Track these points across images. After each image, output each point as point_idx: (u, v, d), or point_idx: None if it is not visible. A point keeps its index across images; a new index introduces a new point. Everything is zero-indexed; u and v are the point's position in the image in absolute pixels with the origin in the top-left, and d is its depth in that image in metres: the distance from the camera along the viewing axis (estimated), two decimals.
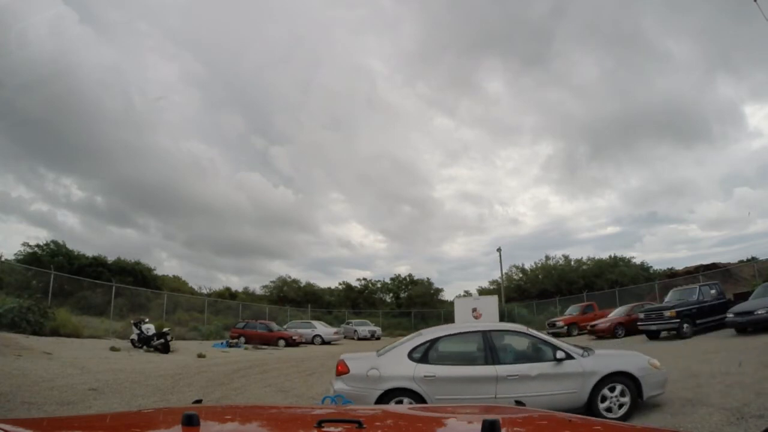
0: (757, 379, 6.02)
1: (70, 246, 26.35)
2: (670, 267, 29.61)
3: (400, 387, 5.07)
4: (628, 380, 5.09)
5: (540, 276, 34.96)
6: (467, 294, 34.55)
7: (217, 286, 33.95)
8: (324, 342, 22.70)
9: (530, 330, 5.67)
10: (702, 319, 13.09)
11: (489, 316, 22.64)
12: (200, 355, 13.67)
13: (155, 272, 29.23)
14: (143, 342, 14.15)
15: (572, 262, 34.63)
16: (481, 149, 56.71)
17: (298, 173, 53.18)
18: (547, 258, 35.96)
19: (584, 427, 1.56)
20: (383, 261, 56.27)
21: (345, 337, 25.35)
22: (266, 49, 50.82)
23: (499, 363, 5.18)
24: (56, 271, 17.30)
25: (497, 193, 57.23)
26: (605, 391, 5.09)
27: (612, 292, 25.51)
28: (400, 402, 5.02)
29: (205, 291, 31.63)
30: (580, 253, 55.61)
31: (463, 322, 22.76)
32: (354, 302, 35.98)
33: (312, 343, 22.33)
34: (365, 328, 27.61)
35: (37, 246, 25.08)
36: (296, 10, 49.99)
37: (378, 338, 27.01)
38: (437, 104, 55.18)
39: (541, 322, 24.60)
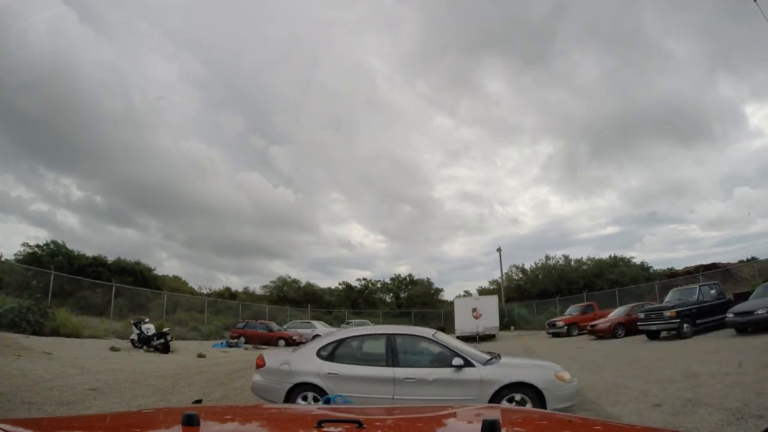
0: (757, 379, 6.02)
1: (70, 246, 26.41)
2: (670, 267, 29.66)
3: (306, 382, 5.41)
4: (531, 391, 5.03)
5: (540, 276, 34.97)
6: (467, 294, 34.54)
7: (217, 286, 34.01)
8: None
9: (437, 335, 5.72)
10: (702, 319, 13.08)
11: (489, 316, 22.62)
12: (200, 355, 13.67)
13: (155, 272, 29.30)
14: (143, 342, 14.14)
15: (572, 262, 34.69)
16: (482, 149, 56.83)
17: (298, 173, 53.29)
18: (547, 258, 36.05)
19: (584, 427, 1.56)
20: (383, 261, 56.35)
21: None
22: (266, 48, 50.90)
23: (398, 366, 5.34)
24: (56, 271, 17.29)
25: (497, 193, 57.37)
26: (505, 402, 5.04)
27: (612, 292, 25.50)
28: (305, 397, 5.36)
29: (205, 291, 31.68)
30: (580, 253, 55.76)
31: (463, 323, 22.83)
32: (354, 302, 36.00)
33: None
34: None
35: (37, 246, 25.12)
36: (296, 9, 50.08)
37: None
38: (437, 104, 55.28)
39: (541, 322, 24.63)
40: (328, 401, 5.19)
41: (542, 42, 46.37)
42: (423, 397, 5.03)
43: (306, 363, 5.61)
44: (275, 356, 6.09)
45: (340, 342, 5.81)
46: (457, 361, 5.21)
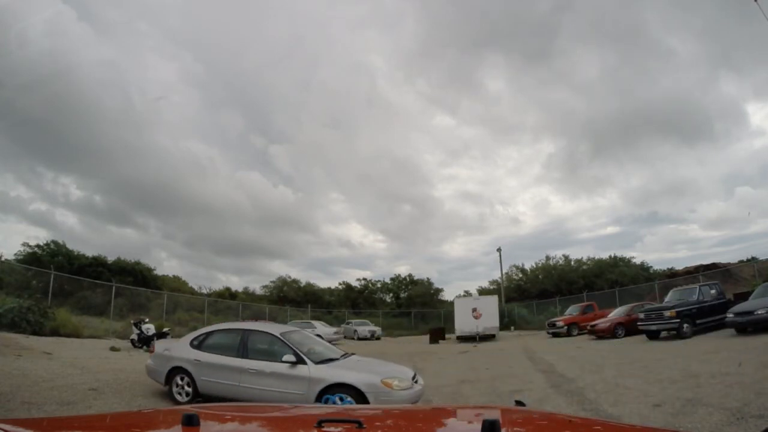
0: (757, 379, 6.02)
1: (69, 246, 26.40)
2: (670, 267, 29.65)
3: (179, 366, 6.42)
4: (354, 393, 5.37)
5: (540, 276, 34.97)
6: (467, 294, 34.53)
7: (217, 286, 33.98)
8: None
9: (283, 333, 6.32)
10: (702, 319, 13.08)
11: (489, 316, 22.62)
12: None
13: (155, 272, 29.26)
14: (143, 342, 14.13)
15: (572, 262, 34.69)
16: (482, 148, 56.73)
17: (297, 172, 53.25)
18: (547, 258, 36.05)
19: (584, 427, 1.56)
20: (383, 261, 56.35)
21: (345, 337, 25.32)
22: (266, 47, 50.88)
23: (246, 357, 6.13)
24: (56, 271, 17.28)
25: (498, 193, 57.25)
26: (336, 399, 5.43)
27: (612, 292, 25.50)
28: (182, 378, 6.44)
29: (205, 291, 31.66)
30: (580, 253, 55.78)
31: (463, 323, 22.83)
32: (354, 302, 35.98)
33: None
34: (365, 328, 27.59)
35: (37, 246, 25.11)
36: (296, 8, 49.99)
37: (378, 338, 27.00)
38: (438, 102, 55.19)
39: (541, 322, 24.63)
40: (327, 401, 5.23)
41: (544, 40, 46.31)
42: (262, 387, 5.76)
43: (181, 350, 6.62)
44: (163, 344, 7.15)
45: (207, 334, 6.76)
46: (288, 357, 5.81)
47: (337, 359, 6.20)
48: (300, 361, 5.79)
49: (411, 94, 54.81)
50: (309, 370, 5.72)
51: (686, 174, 45.86)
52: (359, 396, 5.32)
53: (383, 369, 6.02)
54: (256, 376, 5.91)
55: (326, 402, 5.26)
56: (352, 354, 6.54)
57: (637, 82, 44.40)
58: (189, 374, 6.37)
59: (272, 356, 6.04)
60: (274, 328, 6.72)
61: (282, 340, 6.14)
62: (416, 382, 5.86)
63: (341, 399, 5.35)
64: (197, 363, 6.35)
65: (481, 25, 46.45)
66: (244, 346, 6.30)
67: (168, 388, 6.62)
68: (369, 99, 52.59)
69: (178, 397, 6.50)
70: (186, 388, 6.47)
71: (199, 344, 6.61)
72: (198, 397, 6.38)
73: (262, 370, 5.94)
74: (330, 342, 24.54)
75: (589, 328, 17.44)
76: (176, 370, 6.49)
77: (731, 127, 44.12)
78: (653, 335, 13.55)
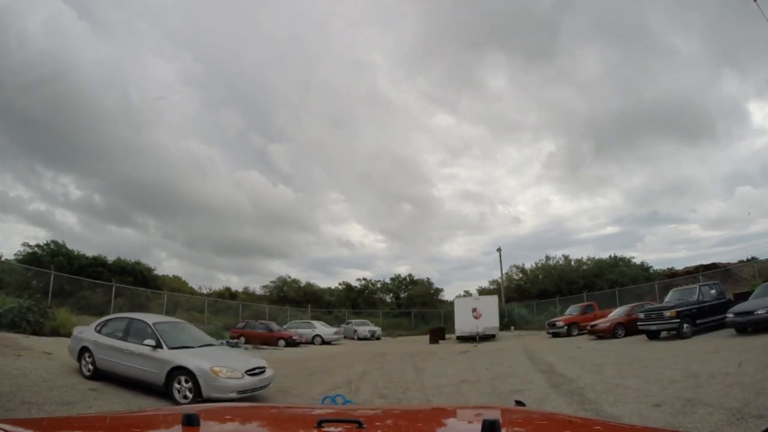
0: (757, 379, 6.02)
1: (69, 246, 26.35)
2: (670, 267, 29.63)
3: (85, 346, 7.85)
4: (190, 376, 6.56)
5: (540, 276, 34.95)
6: (467, 294, 34.51)
7: (217, 286, 33.95)
8: (324, 342, 22.68)
9: (155, 323, 7.55)
10: (702, 319, 13.07)
11: (489, 316, 22.61)
12: None
13: (155, 272, 29.22)
14: None
15: (572, 262, 34.66)
16: (483, 147, 56.68)
17: (297, 172, 53.24)
18: (547, 258, 36.02)
19: (584, 427, 1.56)
20: (383, 261, 56.41)
21: (345, 337, 25.33)
22: (265, 46, 50.95)
23: (127, 340, 7.44)
24: (56, 271, 17.28)
25: (498, 192, 57.22)
26: (181, 379, 6.65)
27: (612, 292, 25.50)
28: (88, 356, 7.74)
29: (205, 291, 31.62)
30: (581, 253, 55.69)
31: (463, 323, 22.83)
32: (354, 302, 35.96)
33: (312, 343, 22.31)
34: (365, 328, 27.59)
35: (37, 246, 25.05)
36: (296, 6, 49.98)
37: (378, 338, 27.00)
38: (438, 101, 55.13)
39: (541, 322, 24.62)
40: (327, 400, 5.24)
41: (545, 38, 46.24)
42: (132, 365, 7.09)
43: (88, 333, 8.06)
44: (78, 328, 8.64)
45: (107, 321, 8.26)
46: (148, 342, 7.10)
47: (193, 347, 7.39)
48: (158, 345, 7.05)
49: (411, 93, 54.85)
50: (163, 354, 6.93)
51: (687, 173, 45.88)
52: (193, 378, 6.50)
53: (222, 359, 7.02)
54: (130, 356, 7.17)
55: (324, 402, 5.27)
56: (226, 345, 8.04)
57: (639, 81, 44.37)
58: (91, 353, 7.76)
59: (142, 340, 7.24)
60: (151, 318, 7.95)
61: (151, 328, 7.37)
62: (256, 375, 7.03)
63: (184, 380, 6.60)
64: (97, 344, 7.73)
65: (482, 22, 46.40)
66: (127, 331, 7.64)
67: (78, 365, 8.06)
68: (369, 97, 52.62)
69: (84, 371, 7.86)
70: (89, 365, 7.80)
71: (100, 329, 8.01)
72: (98, 372, 7.65)
73: (134, 351, 7.18)
74: (330, 343, 24.56)
75: (589, 328, 17.44)
76: (84, 350, 7.91)
77: (733, 126, 44.14)
78: (653, 335, 13.55)
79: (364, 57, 53.85)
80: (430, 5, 47.46)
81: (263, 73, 51.71)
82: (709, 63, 43.23)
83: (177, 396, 6.61)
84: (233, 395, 6.51)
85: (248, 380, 6.79)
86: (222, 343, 18.25)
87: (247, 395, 6.77)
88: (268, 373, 7.39)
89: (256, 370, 7.12)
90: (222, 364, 6.74)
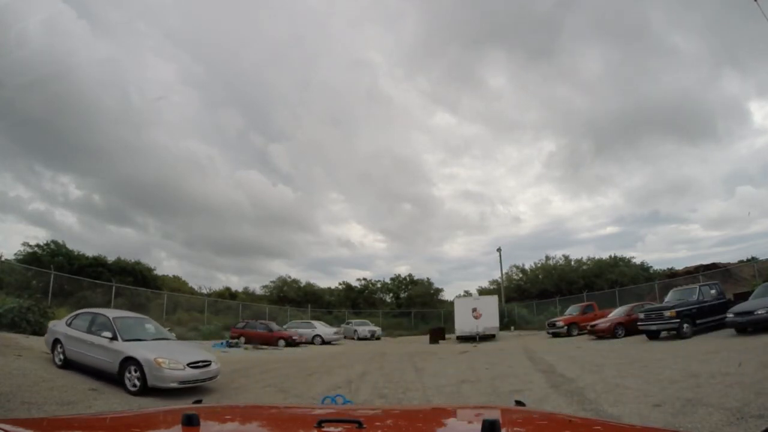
0: (757, 379, 6.02)
1: (69, 246, 26.34)
2: (670, 267, 29.63)
3: (57, 338, 8.66)
4: (138, 366, 7.18)
5: (540, 276, 34.95)
6: (467, 294, 34.51)
7: (217, 286, 33.94)
8: (324, 342, 22.68)
9: (114, 318, 8.33)
10: (702, 319, 13.07)
11: (489, 316, 22.61)
12: None
13: (155, 272, 29.22)
14: None
15: (572, 262, 34.66)
16: (483, 147, 56.65)
17: (297, 171, 53.20)
18: (547, 258, 36.02)
19: (584, 427, 1.56)
20: (383, 261, 56.36)
21: (345, 337, 25.33)
22: (265, 45, 50.93)
23: (90, 333, 8.18)
24: (56, 271, 17.29)
25: (499, 192, 57.14)
26: (131, 368, 7.26)
27: (612, 292, 25.51)
28: (60, 347, 8.51)
29: (205, 291, 31.62)
30: (581, 253, 55.64)
31: (463, 323, 22.83)
32: (354, 302, 35.96)
33: (312, 343, 22.32)
34: (365, 328, 27.59)
35: (37, 246, 25.04)
36: (295, 5, 49.88)
37: (378, 338, 27.00)
38: (438, 100, 55.12)
39: (541, 322, 24.62)
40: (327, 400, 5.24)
41: (546, 36, 46.05)
42: (93, 355, 7.84)
43: (60, 327, 8.84)
44: (53, 322, 9.53)
45: (76, 315, 8.99)
46: (105, 334, 7.87)
47: (146, 340, 8.15)
48: (114, 337, 7.79)
49: (411, 92, 54.80)
50: (118, 345, 7.66)
51: (688, 173, 45.78)
52: (141, 367, 7.15)
53: (167, 352, 7.63)
54: (92, 347, 7.92)
55: (324, 402, 5.28)
56: (166, 338, 8.95)
57: (640, 80, 44.23)
58: (62, 344, 8.53)
59: (101, 332, 7.99)
60: (113, 314, 8.72)
61: (110, 322, 8.12)
62: (199, 368, 7.59)
63: (133, 370, 7.24)
64: (66, 336, 8.50)
65: (483, 21, 46.30)
66: (91, 324, 8.36)
67: (51, 355, 8.86)
68: (369, 97, 52.55)
69: (56, 361, 8.65)
70: (60, 355, 8.59)
71: (70, 323, 8.78)
72: (68, 362, 8.37)
73: (94, 342, 7.93)
74: (330, 343, 24.57)
75: (589, 328, 17.44)
76: (56, 342, 8.71)
77: (733, 126, 44.05)
78: (653, 335, 13.55)
79: (364, 56, 53.86)
80: (430, 4, 47.45)
81: (263, 73, 51.76)
82: (710, 62, 43.14)
83: (128, 384, 7.24)
84: (174, 385, 7.15)
85: (189, 372, 7.41)
86: (223, 344, 18.45)
87: (190, 386, 7.39)
88: (214, 366, 7.98)
89: (200, 363, 7.70)
90: (165, 356, 7.34)
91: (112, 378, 7.53)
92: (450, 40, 49.31)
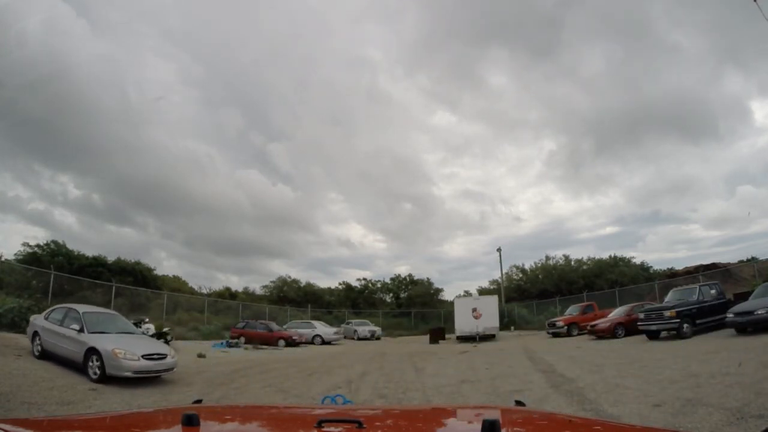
0: (757, 379, 6.02)
1: (69, 245, 26.32)
2: (670, 267, 29.62)
3: (36, 330, 9.52)
4: (98, 356, 7.90)
5: (540, 276, 34.94)
6: (467, 294, 34.50)
7: (217, 286, 33.91)
8: (324, 342, 22.68)
9: (84, 312, 9.11)
10: (702, 319, 13.07)
11: (489, 316, 22.61)
12: (200, 355, 13.66)
13: (155, 272, 29.20)
14: None
15: (572, 262, 34.63)
16: (483, 146, 56.46)
17: (297, 171, 53.09)
18: (547, 258, 35.98)
19: (584, 427, 1.56)
20: (383, 261, 56.41)
21: (345, 337, 25.33)
22: (264, 44, 50.71)
23: (63, 326, 8.92)
24: (56, 271, 17.29)
25: (499, 192, 56.91)
26: (93, 358, 7.95)
27: (612, 292, 25.50)
28: (38, 339, 9.36)
29: (205, 291, 31.60)
30: (581, 253, 55.54)
31: (463, 323, 22.84)
32: (354, 302, 35.95)
33: (312, 343, 22.31)
34: (365, 328, 27.59)
35: (37, 246, 25.01)
36: (294, 2, 49.64)
37: (378, 338, 26.99)
38: (439, 98, 54.88)
39: (541, 322, 24.62)
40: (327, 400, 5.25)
41: (548, 34, 45.68)
42: (64, 346, 8.67)
43: (38, 320, 9.75)
44: (34, 317, 10.38)
45: (53, 310, 9.83)
46: (74, 327, 8.62)
47: (109, 333, 8.77)
48: (81, 330, 8.52)
49: (412, 90, 54.59)
50: (84, 336, 8.38)
51: (689, 172, 45.49)
52: (101, 357, 7.82)
53: (125, 344, 8.27)
54: (63, 338, 8.73)
55: (324, 402, 5.28)
56: (135, 332, 9.89)
57: (642, 78, 43.91)
58: (40, 336, 9.33)
59: (71, 325, 8.74)
60: (83, 308, 9.46)
61: (80, 316, 8.88)
62: (153, 360, 8.22)
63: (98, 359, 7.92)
64: (43, 329, 9.34)
65: (484, 18, 46.08)
66: (64, 318, 9.09)
67: (31, 347, 9.70)
68: (369, 95, 52.34)
69: (35, 352, 9.47)
70: (38, 346, 9.37)
71: (47, 317, 9.61)
72: (45, 352, 9.16)
73: (65, 334, 8.72)
74: (330, 343, 24.61)
75: (589, 328, 17.44)
76: (35, 334, 9.53)
77: (735, 125, 43.91)
78: (653, 335, 13.55)
79: (364, 54, 53.56)
80: (431, 0, 47.20)
81: (262, 72, 51.63)
82: (712, 60, 42.97)
83: (90, 372, 7.96)
84: (129, 374, 7.82)
85: (143, 363, 8.06)
86: (223, 344, 18.45)
87: (144, 376, 8.11)
88: (169, 360, 8.62)
89: (154, 356, 8.34)
90: (123, 347, 8.02)
91: (79, 367, 8.24)
92: (451, 37, 49.07)
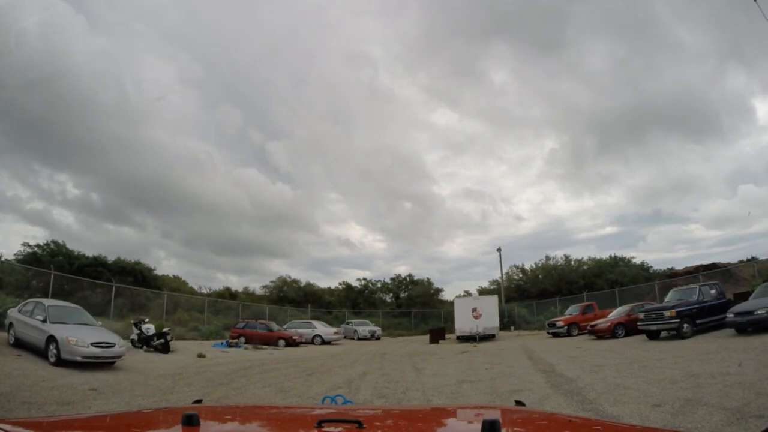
0: (757, 379, 6.02)
1: (69, 245, 26.32)
2: (670, 267, 29.65)
3: (11, 321, 10.72)
4: (55, 343, 9.11)
5: (540, 276, 34.94)
6: (467, 294, 34.49)
7: (217, 286, 33.92)
8: (324, 342, 22.69)
9: (49, 305, 10.41)
10: (702, 319, 13.07)
11: (489, 316, 22.62)
12: (200, 355, 13.67)
13: (155, 272, 29.21)
14: (143, 342, 14.15)
15: (572, 262, 34.65)
16: (484, 143, 56.28)
17: (296, 169, 52.99)
18: (547, 258, 36.02)
19: (584, 427, 1.56)
20: (383, 261, 56.32)
21: (345, 337, 25.34)
22: (262, 41, 50.57)
23: (31, 317, 10.18)
24: (56, 271, 17.27)
25: (500, 190, 56.74)
26: (51, 345, 9.21)
27: (612, 292, 25.51)
28: (13, 330, 10.61)
29: (205, 291, 31.62)
30: (581, 253, 55.42)
31: (463, 323, 22.85)
32: (354, 302, 35.96)
33: (312, 343, 22.32)
34: (365, 328, 27.60)
35: (37, 246, 25.02)
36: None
37: (378, 338, 27.00)
38: (440, 95, 54.65)
39: (541, 322, 24.64)
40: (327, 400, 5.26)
41: (551, 30, 45.40)
42: (31, 335, 9.90)
43: (14, 312, 10.89)
44: (11, 309, 11.30)
45: (25, 303, 11.00)
46: (39, 317, 9.94)
47: (68, 324, 9.86)
48: (45, 320, 9.79)
49: (412, 87, 54.47)
50: (46, 326, 9.62)
51: (692, 171, 45.19)
52: (57, 344, 9.07)
53: (78, 333, 9.48)
54: (30, 327, 10.00)
55: (324, 402, 5.29)
56: (95, 325, 10.81)
57: (645, 76, 43.69)
58: (14, 327, 10.59)
59: (36, 315, 10.05)
60: (49, 302, 10.79)
61: (45, 308, 10.14)
62: (102, 347, 9.41)
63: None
64: (16, 320, 10.59)
65: (487, 13, 45.82)
66: (33, 310, 10.30)
67: (7, 336, 10.73)
68: (368, 92, 52.14)
69: (10, 340, 10.60)
70: (12, 336, 10.57)
71: (20, 309, 10.85)
72: (17, 341, 10.33)
73: (31, 324, 9.98)
74: (330, 343, 24.65)
75: (589, 328, 17.44)
76: (10, 325, 10.78)
77: (738, 123, 43.61)
78: (653, 335, 13.55)
79: (364, 50, 53.34)
80: None
81: (261, 69, 51.52)
82: (715, 58, 42.80)
83: (49, 356, 9.20)
84: (79, 359, 9.01)
85: (92, 350, 9.24)
86: (223, 344, 18.44)
87: (93, 361, 9.22)
88: (118, 349, 9.86)
89: (103, 344, 9.54)
90: (75, 336, 9.28)
91: (42, 352, 9.47)
92: (452, 33, 48.73)
